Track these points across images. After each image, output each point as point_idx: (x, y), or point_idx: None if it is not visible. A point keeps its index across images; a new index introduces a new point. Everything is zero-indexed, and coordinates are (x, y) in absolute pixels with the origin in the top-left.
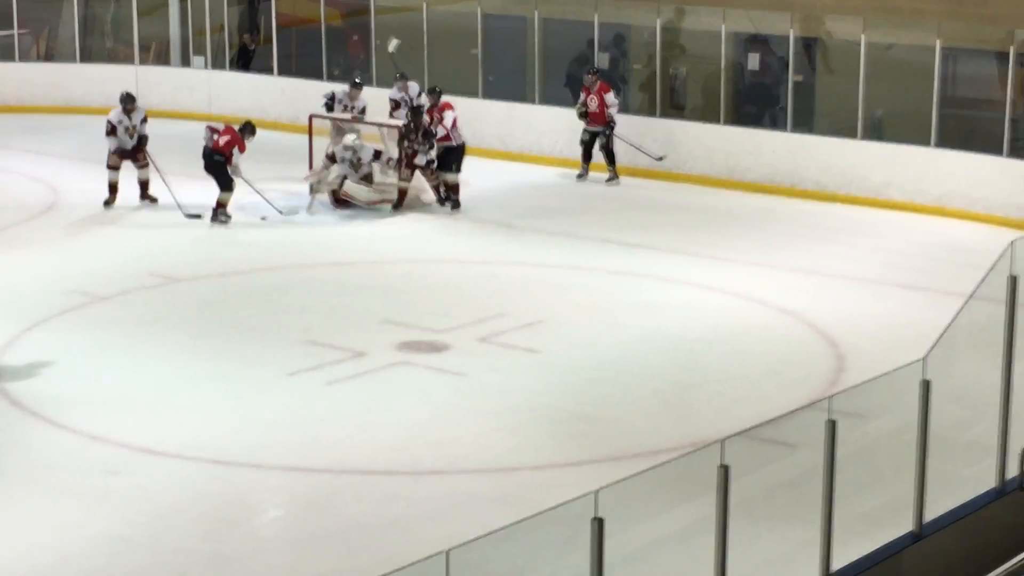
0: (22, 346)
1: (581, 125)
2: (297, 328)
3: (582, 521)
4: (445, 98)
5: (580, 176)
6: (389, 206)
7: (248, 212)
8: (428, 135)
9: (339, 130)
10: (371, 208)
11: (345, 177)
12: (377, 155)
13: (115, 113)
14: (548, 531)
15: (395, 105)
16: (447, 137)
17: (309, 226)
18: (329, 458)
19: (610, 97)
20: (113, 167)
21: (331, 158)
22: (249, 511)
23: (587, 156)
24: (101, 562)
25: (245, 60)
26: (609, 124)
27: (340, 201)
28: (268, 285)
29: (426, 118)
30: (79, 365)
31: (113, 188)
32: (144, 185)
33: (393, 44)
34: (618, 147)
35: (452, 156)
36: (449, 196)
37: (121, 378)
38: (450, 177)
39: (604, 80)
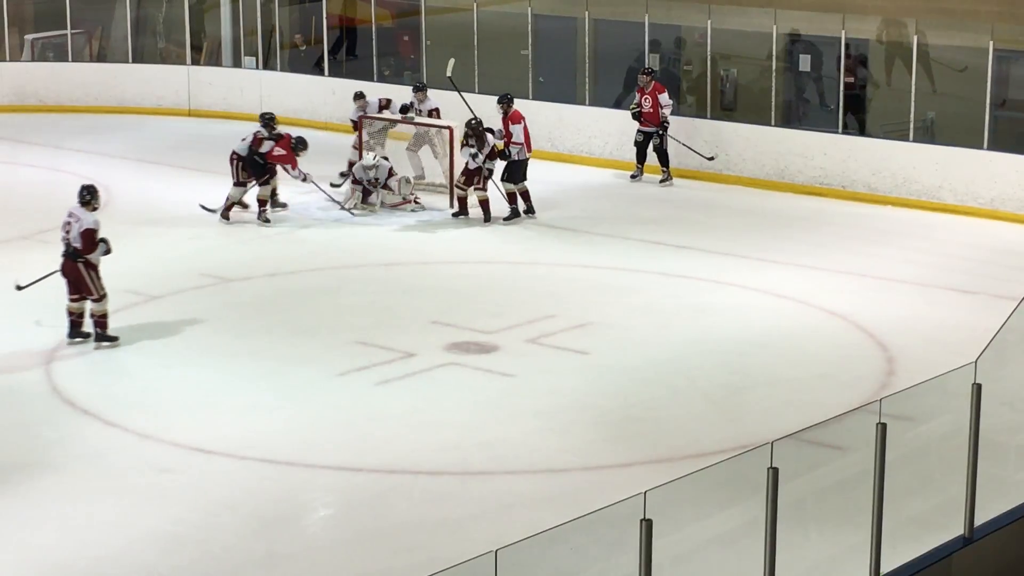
0: (75, 345)
1: (631, 126)
2: (347, 328)
3: (631, 522)
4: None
5: (634, 177)
6: (409, 206)
7: (300, 213)
8: (499, 156)
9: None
10: (398, 209)
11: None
12: (391, 173)
13: (262, 130)
14: (597, 532)
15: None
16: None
17: (359, 227)
18: (378, 458)
19: (664, 98)
20: (242, 184)
21: (355, 180)
22: (299, 510)
23: (641, 157)
24: (151, 559)
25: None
26: (663, 125)
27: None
28: (318, 285)
29: (495, 131)
30: (131, 364)
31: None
32: (233, 207)
33: (451, 66)
34: (668, 148)
35: (516, 167)
36: (521, 204)
37: (172, 377)
38: (513, 187)
39: (658, 81)
